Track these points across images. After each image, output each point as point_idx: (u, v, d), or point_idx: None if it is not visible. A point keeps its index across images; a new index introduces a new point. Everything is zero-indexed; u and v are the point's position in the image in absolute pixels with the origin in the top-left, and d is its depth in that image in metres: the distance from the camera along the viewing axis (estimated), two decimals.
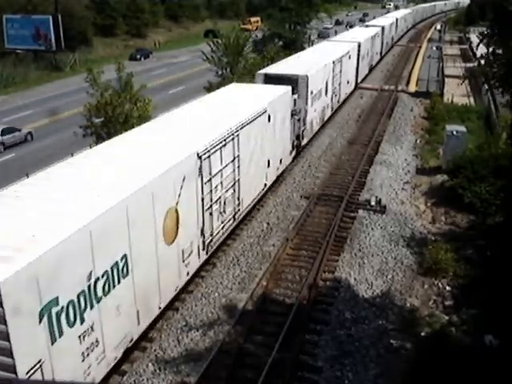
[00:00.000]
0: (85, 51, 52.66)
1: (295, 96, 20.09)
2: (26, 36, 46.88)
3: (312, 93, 22.13)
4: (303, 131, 21.74)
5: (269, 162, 17.30)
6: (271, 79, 20.52)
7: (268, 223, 16.60)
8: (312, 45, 42.45)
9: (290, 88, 18.85)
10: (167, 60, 54.56)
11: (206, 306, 12.46)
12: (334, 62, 26.26)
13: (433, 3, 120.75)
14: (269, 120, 16.59)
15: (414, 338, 11.57)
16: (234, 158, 13.99)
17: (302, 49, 38.73)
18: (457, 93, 33.25)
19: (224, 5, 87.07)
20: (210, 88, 26.52)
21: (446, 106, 29.96)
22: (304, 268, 14.04)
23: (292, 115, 19.67)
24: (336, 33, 60.65)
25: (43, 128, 30.24)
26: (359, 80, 36.85)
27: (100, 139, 18.88)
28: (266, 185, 17.53)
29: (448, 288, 13.46)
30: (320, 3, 48.93)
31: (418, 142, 25.15)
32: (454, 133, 20.38)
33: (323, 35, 59.90)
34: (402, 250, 15.09)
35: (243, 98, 17.34)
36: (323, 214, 17.36)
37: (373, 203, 17.64)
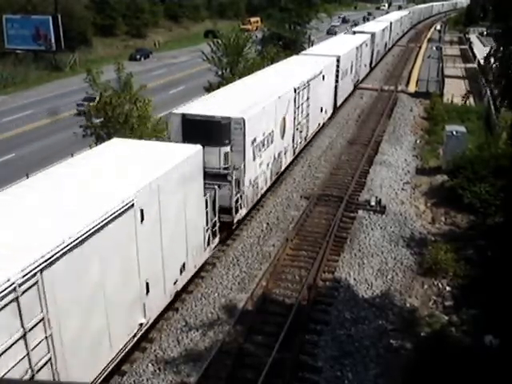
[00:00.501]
0: (85, 51, 52.59)
1: (227, 148, 14.29)
2: (25, 36, 46.83)
3: (255, 141, 15.43)
4: (238, 200, 14.88)
5: (148, 285, 10.38)
6: (192, 124, 14.18)
7: (268, 223, 16.60)
8: (312, 45, 42.41)
9: (198, 148, 12.12)
10: (167, 60, 54.52)
11: (205, 306, 12.46)
12: (296, 90, 19.17)
13: (430, 4, 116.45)
14: (142, 220, 9.83)
15: (413, 338, 11.57)
16: (32, 328, 7.49)
17: (303, 49, 38.70)
18: (456, 93, 33.24)
19: (224, 5, 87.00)
20: (210, 88, 26.52)
21: (446, 106, 29.96)
22: (304, 268, 14.04)
23: (224, 177, 14.17)
24: (336, 33, 62.06)
25: (43, 128, 30.22)
26: (339, 102, 29.43)
27: (100, 139, 18.87)
28: (142, 324, 10.47)
29: (448, 288, 13.46)
30: (320, 3, 48.89)
31: (418, 142, 25.15)
32: (454, 133, 20.39)
33: (331, 32, 68.81)
34: (402, 251, 15.09)
35: (97, 182, 9.98)
36: (323, 214, 17.36)
37: (373, 203, 17.64)
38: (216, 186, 13.57)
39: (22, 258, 7.24)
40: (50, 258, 7.49)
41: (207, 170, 13.06)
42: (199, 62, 33.99)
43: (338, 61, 27.11)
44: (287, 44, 41.28)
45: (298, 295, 12.76)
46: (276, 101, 17.33)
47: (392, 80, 40.36)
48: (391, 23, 53.41)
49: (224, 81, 26.67)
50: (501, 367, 9.84)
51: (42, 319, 7.65)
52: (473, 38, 59.42)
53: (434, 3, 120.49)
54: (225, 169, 14.31)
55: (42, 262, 7.38)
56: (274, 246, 15.21)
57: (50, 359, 7.91)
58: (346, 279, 13.64)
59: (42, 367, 7.80)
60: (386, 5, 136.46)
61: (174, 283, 11.71)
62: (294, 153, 20.77)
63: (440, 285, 13.61)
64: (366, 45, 37.32)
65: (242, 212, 15.43)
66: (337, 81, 27.62)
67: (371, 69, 42.36)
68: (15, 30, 47.37)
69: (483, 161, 18.30)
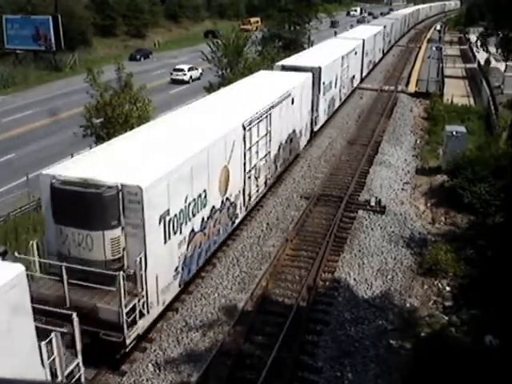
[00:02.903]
0: (84, 51, 52.54)
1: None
2: (25, 36, 46.79)
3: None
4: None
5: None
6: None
7: (268, 223, 16.60)
8: (312, 45, 42.39)
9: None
10: (167, 60, 54.46)
11: (205, 307, 12.46)
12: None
13: (416, 7, 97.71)
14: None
15: (413, 338, 11.57)
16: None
17: (303, 49, 38.69)
18: (456, 93, 33.28)
19: (224, 5, 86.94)
20: (210, 88, 26.55)
21: (446, 106, 29.97)
22: (304, 268, 14.04)
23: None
24: (364, 21, 78.90)
25: (43, 128, 30.22)
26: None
27: (100, 139, 18.89)
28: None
29: (448, 288, 13.47)
30: (319, 3, 48.83)
31: (418, 142, 25.16)
32: (454, 133, 20.40)
33: (360, 21, 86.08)
34: (402, 251, 15.09)
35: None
36: (323, 214, 17.36)
37: (372, 203, 17.64)
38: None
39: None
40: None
41: None
42: (199, 63, 34.05)
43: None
44: (287, 44, 41.28)
45: (298, 295, 12.76)
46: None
47: (392, 80, 40.37)
48: (342, 58, 28.77)
49: (226, 81, 26.67)
50: (501, 367, 9.84)
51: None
52: (473, 38, 59.34)
53: (421, 6, 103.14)
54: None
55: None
56: (274, 246, 15.21)
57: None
58: (346, 279, 13.64)
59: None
60: (358, 9, 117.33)
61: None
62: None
63: (440, 285, 13.61)
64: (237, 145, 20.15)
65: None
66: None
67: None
68: (15, 30, 47.33)
69: (483, 161, 18.30)
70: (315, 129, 24.13)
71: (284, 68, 23.13)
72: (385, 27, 50.33)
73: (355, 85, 35.12)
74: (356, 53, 32.85)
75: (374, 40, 42.01)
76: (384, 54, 51.82)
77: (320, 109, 24.21)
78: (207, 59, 29.36)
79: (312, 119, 23.20)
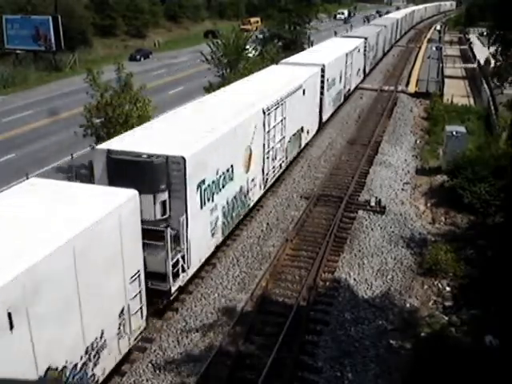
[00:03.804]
0: (84, 51, 52.52)
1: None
2: (25, 36, 46.76)
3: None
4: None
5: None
6: None
7: (268, 223, 16.60)
8: (312, 45, 42.38)
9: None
10: (167, 60, 54.47)
11: (205, 307, 12.46)
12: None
13: (411, 9, 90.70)
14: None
15: (413, 338, 11.57)
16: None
17: (303, 49, 38.66)
18: (456, 93, 33.29)
19: (224, 5, 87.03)
20: (210, 88, 26.53)
21: (446, 106, 29.97)
22: (304, 268, 14.05)
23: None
24: (369, 20, 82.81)
25: (44, 128, 30.22)
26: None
27: (100, 139, 18.89)
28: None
29: (448, 288, 13.47)
30: (319, 3, 48.83)
31: (418, 142, 25.17)
32: (454, 133, 20.41)
33: (366, 20, 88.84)
34: (402, 251, 15.09)
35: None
36: (323, 214, 17.36)
37: (372, 204, 17.64)
38: None
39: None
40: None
41: None
42: (199, 63, 33.98)
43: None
44: (287, 44, 41.27)
45: (298, 295, 12.76)
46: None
47: (392, 80, 40.37)
48: (264, 113, 16.04)
49: (226, 81, 26.65)
50: (501, 367, 9.84)
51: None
52: (473, 38, 59.43)
53: (416, 7, 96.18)
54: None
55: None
56: (274, 246, 15.21)
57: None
58: (346, 279, 13.64)
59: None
60: (346, 11, 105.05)
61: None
62: (365, 74, 31.49)
63: (440, 285, 13.62)
64: None
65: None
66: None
67: None
68: (15, 30, 47.28)
69: (483, 161, 18.31)
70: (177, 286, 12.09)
71: (116, 161, 11.14)
72: (366, 39, 37.54)
73: (309, 139, 23.26)
74: (304, 92, 20.44)
75: (345, 61, 29.58)
76: (366, 75, 39.68)
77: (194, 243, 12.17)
78: (206, 60, 29.35)
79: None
